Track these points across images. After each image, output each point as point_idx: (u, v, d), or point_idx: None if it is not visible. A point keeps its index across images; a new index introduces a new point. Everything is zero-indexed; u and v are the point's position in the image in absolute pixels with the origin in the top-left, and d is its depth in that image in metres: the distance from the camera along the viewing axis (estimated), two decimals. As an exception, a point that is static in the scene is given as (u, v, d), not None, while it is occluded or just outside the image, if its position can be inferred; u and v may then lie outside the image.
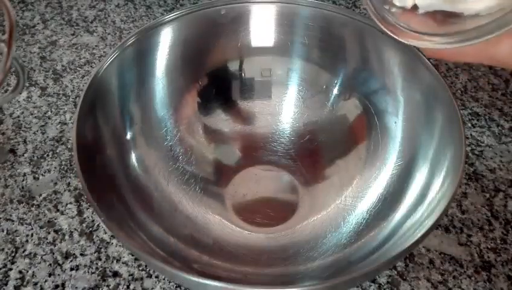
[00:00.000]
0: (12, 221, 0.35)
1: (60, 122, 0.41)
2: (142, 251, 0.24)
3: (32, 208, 0.35)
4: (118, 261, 0.33)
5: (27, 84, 0.44)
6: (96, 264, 0.32)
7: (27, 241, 0.34)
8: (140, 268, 0.32)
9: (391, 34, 0.22)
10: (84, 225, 0.34)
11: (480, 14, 0.18)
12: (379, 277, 0.32)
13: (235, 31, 0.37)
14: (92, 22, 0.51)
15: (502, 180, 0.37)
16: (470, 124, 0.41)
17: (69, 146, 0.40)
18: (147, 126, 0.35)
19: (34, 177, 0.37)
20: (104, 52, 0.48)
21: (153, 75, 0.35)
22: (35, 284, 0.31)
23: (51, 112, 0.42)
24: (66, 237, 0.34)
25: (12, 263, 0.32)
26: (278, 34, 0.38)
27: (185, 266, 0.29)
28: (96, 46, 0.49)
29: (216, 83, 0.38)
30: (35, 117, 0.42)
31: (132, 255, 0.33)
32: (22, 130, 0.41)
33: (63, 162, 0.38)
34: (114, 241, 0.33)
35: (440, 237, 0.34)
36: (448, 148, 0.28)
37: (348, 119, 0.37)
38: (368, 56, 0.36)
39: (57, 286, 0.31)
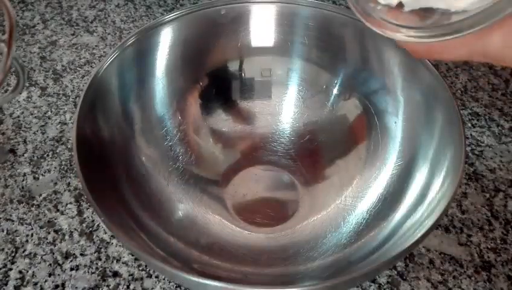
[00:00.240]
0: (12, 221, 0.35)
1: (60, 122, 0.41)
2: (142, 251, 0.24)
3: (32, 208, 0.35)
4: (118, 261, 0.33)
5: (27, 84, 0.44)
6: (96, 264, 0.32)
7: (27, 241, 0.34)
8: (140, 268, 0.32)
9: (374, 28, 0.21)
10: (84, 225, 0.34)
11: (467, 10, 0.18)
12: (379, 277, 0.32)
13: (235, 31, 0.37)
14: (92, 22, 0.51)
15: (502, 180, 0.37)
16: (470, 124, 0.41)
17: (69, 146, 0.40)
18: (147, 126, 0.35)
19: (34, 177, 0.37)
20: (104, 52, 0.48)
21: (153, 75, 0.35)
22: (35, 284, 0.31)
23: (51, 112, 0.42)
24: (66, 237, 0.34)
25: (12, 263, 0.32)
26: (278, 34, 0.38)
27: (185, 266, 0.29)
28: (96, 46, 0.49)
29: (216, 83, 0.38)
30: (35, 117, 0.42)
31: (132, 255, 0.33)
32: (22, 130, 0.41)
33: (63, 162, 0.38)
34: (114, 241, 0.33)
35: (440, 237, 0.34)
36: (448, 148, 0.28)
37: (348, 119, 0.37)
38: (368, 56, 0.36)
39: (57, 286, 0.31)
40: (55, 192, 0.36)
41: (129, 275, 0.32)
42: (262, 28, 0.38)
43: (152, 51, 0.35)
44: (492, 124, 0.41)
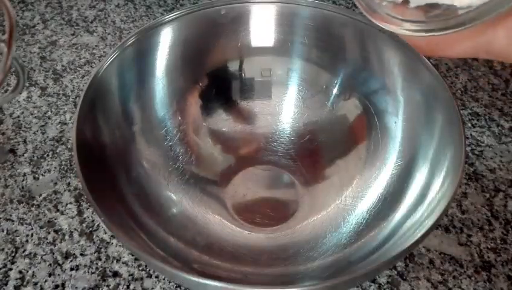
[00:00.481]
0: (12, 221, 0.35)
1: (60, 122, 0.41)
2: (142, 251, 0.24)
3: (32, 208, 0.35)
4: (118, 261, 0.33)
5: (27, 84, 0.44)
6: (96, 264, 0.32)
7: (27, 241, 0.34)
8: (140, 268, 0.32)
9: (377, 23, 0.21)
10: (84, 225, 0.34)
11: (472, 6, 0.18)
12: (379, 277, 0.32)
13: (235, 31, 0.37)
14: (92, 22, 0.51)
15: (502, 180, 0.37)
16: (470, 124, 0.41)
17: (69, 146, 0.40)
18: (147, 126, 0.35)
19: (34, 177, 0.37)
20: (104, 52, 0.48)
21: (153, 75, 0.35)
22: (35, 284, 0.31)
23: (51, 112, 0.42)
24: (66, 237, 0.34)
25: (12, 263, 0.32)
26: (278, 34, 0.38)
27: (185, 266, 0.29)
28: (96, 46, 0.49)
29: (216, 83, 0.38)
30: (35, 117, 0.42)
31: (132, 255, 0.33)
32: (22, 130, 0.41)
33: (63, 162, 0.38)
34: (114, 241, 0.33)
35: (440, 237, 0.34)
36: (448, 148, 0.28)
37: (348, 119, 0.37)
38: (368, 56, 0.36)
39: (57, 286, 0.31)
40: (55, 192, 0.36)
41: (129, 275, 0.32)
42: (262, 28, 0.38)
43: (152, 51, 0.35)
44: (492, 124, 0.41)
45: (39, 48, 0.48)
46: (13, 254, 0.33)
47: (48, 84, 0.45)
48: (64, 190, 0.37)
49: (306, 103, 0.38)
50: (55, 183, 0.37)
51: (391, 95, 0.34)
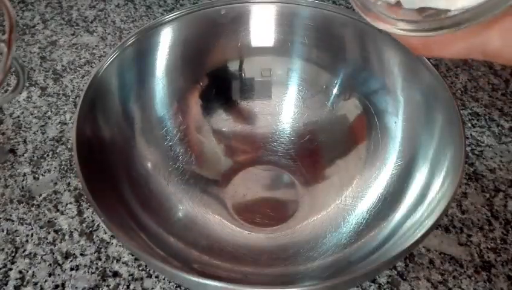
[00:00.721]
0: (12, 221, 0.35)
1: (60, 122, 0.41)
2: (142, 251, 0.24)
3: (32, 208, 0.35)
4: (118, 261, 0.33)
5: (27, 84, 0.44)
6: (96, 264, 0.32)
7: (27, 241, 0.34)
8: (140, 268, 0.32)
9: (371, 22, 0.21)
10: (84, 225, 0.34)
11: (466, 9, 0.18)
12: (379, 277, 0.32)
13: (235, 31, 0.37)
14: (92, 22, 0.51)
15: (502, 180, 0.37)
16: (470, 124, 0.41)
17: (69, 146, 0.40)
18: (147, 126, 0.35)
19: (34, 177, 0.37)
20: (104, 52, 0.48)
21: (153, 75, 0.35)
22: (35, 284, 0.31)
23: (51, 112, 0.42)
24: (66, 237, 0.34)
25: (12, 263, 0.32)
26: (278, 34, 0.38)
27: (185, 266, 0.29)
28: (96, 46, 0.49)
29: (216, 83, 0.38)
30: (35, 117, 0.42)
31: (132, 255, 0.33)
32: (22, 130, 0.41)
33: (63, 162, 0.38)
34: (114, 241, 0.33)
35: (440, 237, 0.34)
36: (448, 148, 0.28)
37: (348, 119, 0.37)
38: (368, 56, 0.36)
39: (57, 286, 0.31)
40: (55, 192, 0.36)
41: (129, 275, 0.32)
42: (262, 28, 0.38)
43: (152, 51, 0.35)
44: (492, 124, 0.41)
45: (39, 48, 0.48)
46: (13, 254, 0.33)
47: (47, 84, 0.45)
48: (64, 190, 0.37)
49: (306, 103, 0.38)
50: (55, 183, 0.37)
51: (391, 95, 0.34)
